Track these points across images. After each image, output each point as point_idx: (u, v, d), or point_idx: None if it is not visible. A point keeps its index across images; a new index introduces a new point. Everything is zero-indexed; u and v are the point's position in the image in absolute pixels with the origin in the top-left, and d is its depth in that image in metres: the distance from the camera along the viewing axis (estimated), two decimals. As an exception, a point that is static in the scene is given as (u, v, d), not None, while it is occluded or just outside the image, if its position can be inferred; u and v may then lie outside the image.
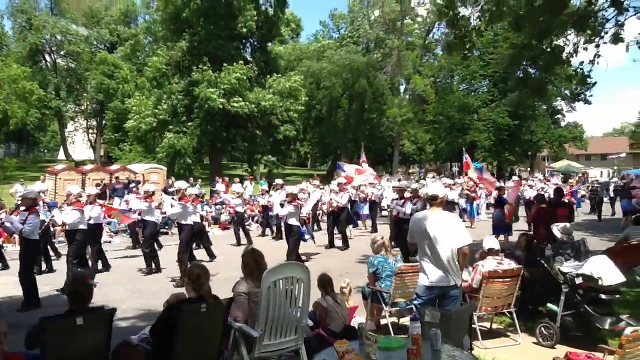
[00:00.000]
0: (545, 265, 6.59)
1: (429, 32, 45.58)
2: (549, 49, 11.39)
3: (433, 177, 27.73)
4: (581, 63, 11.67)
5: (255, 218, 21.04)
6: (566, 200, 13.95)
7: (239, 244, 15.88)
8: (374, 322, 7.09)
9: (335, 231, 15.18)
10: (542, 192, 19.65)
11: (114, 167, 25.01)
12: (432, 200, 5.64)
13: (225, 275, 9.08)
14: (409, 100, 41.38)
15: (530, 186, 21.58)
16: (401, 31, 41.04)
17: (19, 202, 11.03)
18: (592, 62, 11.00)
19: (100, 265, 11.65)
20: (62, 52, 50.74)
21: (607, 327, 5.94)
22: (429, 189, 5.95)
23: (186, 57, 30.19)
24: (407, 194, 12.59)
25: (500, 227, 14.22)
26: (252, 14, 29.23)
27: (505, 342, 6.58)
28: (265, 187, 19.48)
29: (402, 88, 47.08)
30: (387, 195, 18.82)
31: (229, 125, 28.73)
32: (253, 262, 5.26)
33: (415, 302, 5.66)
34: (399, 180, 23.29)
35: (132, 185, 21.37)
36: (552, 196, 13.44)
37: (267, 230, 18.44)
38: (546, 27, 10.98)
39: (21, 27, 47.60)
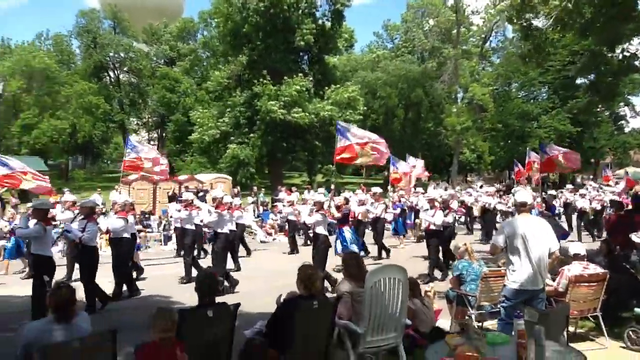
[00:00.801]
0: (632, 270, 6.68)
1: (485, 40, 45.27)
2: (619, 57, 11.37)
3: (481, 186, 27.19)
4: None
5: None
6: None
7: (292, 252, 16.19)
8: (458, 325, 7.31)
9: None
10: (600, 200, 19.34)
11: (183, 177, 25.95)
12: (522, 207, 5.86)
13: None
14: (467, 109, 41.10)
15: (582, 195, 20.33)
16: (457, 40, 40.92)
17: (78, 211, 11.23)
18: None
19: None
20: (125, 68, 53.19)
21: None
22: (517, 196, 6.16)
23: (246, 70, 31.13)
24: (436, 204, 12.33)
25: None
26: (310, 27, 29.92)
27: (591, 346, 6.64)
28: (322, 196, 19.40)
29: (459, 97, 46.86)
30: (422, 204, 17.73)
31: (289, 136, 29.47)
32: (354, 265, 5.61)
33: (504, 304, 5.86)
34: (445, 189, 23.09)
35: (201, 194, 22.13)
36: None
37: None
38: (614, 35, 10.98)
39: (87, 46, 50.02)
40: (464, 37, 45.05)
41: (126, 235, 10.33)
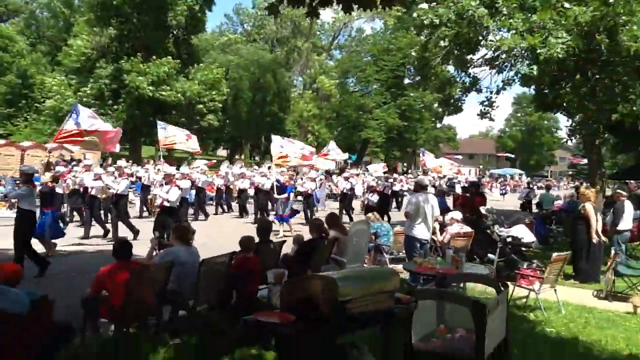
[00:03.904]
0: (487, 231, 10.27)
1: (334, 37, 49.53)
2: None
3: (269, 167, 25.99)
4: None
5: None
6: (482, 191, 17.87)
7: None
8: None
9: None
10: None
11: (51, 145, 25.76)
12: (423, 187, 9.05)
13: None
14: (314, 97, 44.93)
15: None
16: (309, 35, 44.53)
17: None
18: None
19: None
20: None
21: (525, 267, 9.64)
22: (419, 180, 9.35)
23: (114, 43, 31.24)
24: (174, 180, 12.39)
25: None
26: (183, 8, 31.08)
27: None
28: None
29: (302, 84, 50.63)
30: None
31: (156, 111, 30.39)
32: (333, 220, 8.28)
33: (410, 249, 8.96)
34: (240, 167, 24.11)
35: (74, 163, 22.64)
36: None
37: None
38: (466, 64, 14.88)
39: None
40: (313, 29, 48.73)
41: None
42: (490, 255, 10.14)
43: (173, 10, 30.96)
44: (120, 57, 30.26)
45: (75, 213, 15.66)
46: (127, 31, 30.80)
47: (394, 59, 46.34)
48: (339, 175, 25.44)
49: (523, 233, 10.09)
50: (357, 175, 25.56)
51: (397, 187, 24.55)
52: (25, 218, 8.91)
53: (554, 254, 7.82)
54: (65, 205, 15.57)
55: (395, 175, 27.78)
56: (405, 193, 31.54)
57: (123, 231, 12.41)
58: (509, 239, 9.99)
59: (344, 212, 18.62)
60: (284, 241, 7.37)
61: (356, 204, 21.17)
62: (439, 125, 60.52)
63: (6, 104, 46.22)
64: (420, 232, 8.70)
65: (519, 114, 75.06)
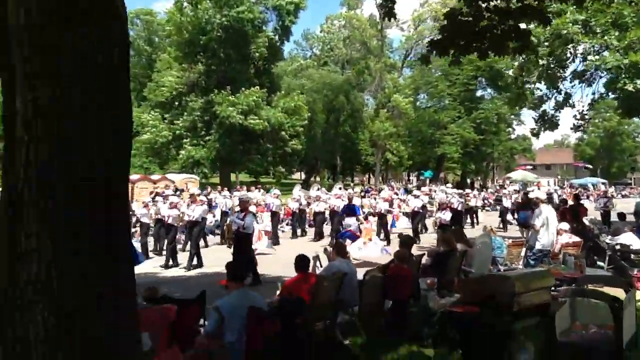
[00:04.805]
0: (596, 240, 10.85)
1: (406, 55, 50.47)
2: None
3: (340, 188, 26.50)
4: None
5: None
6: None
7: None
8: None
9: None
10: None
11: (155, 177, 27.96)
12: (543, 200, 9.79)
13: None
14: (390, 116, 45.84)
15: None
16: (381, 54, 45.64)
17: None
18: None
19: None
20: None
21: (636, 273, 10.16)
22: (537, 195, 10.09)
23: (202, 77, 33.52)
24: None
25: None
26: (263, 40, 33.06)
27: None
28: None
29: (374, 103, 51.77)
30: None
31: (245, 139, 32.31)
32: (460, 235, 9.17)
33: (535, 257, 9.71)
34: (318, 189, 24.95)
35: (177, 193, 24.42)
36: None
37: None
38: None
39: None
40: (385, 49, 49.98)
41: None
42: (599, 263, 10.68)
43: (255, 42, 32.94)
44: (209, 90, 32.39)
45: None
46: (214, 65, 32.98)
47: (465, 72, 46.73)
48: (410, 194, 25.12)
49: (632, 240, 10.60)
50: (429, 192, 25.19)
51: (472, 203, 23.73)
52: None
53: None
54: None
55: (468, 191, 27.08)
56: (488, 208, 31.77)
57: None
58: (617, 247, 10.53)
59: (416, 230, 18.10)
60: (424, 254, 8.36)
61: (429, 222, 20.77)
62: (513, 136, 59.78)
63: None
64: (545, 241, 9.57)
65: (596, 120, 72.64)
